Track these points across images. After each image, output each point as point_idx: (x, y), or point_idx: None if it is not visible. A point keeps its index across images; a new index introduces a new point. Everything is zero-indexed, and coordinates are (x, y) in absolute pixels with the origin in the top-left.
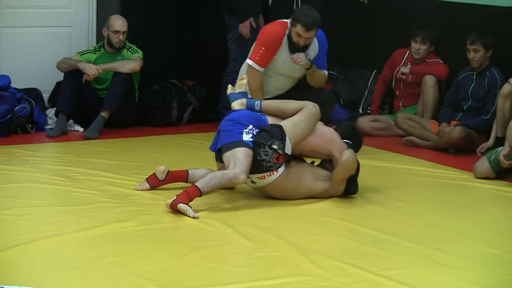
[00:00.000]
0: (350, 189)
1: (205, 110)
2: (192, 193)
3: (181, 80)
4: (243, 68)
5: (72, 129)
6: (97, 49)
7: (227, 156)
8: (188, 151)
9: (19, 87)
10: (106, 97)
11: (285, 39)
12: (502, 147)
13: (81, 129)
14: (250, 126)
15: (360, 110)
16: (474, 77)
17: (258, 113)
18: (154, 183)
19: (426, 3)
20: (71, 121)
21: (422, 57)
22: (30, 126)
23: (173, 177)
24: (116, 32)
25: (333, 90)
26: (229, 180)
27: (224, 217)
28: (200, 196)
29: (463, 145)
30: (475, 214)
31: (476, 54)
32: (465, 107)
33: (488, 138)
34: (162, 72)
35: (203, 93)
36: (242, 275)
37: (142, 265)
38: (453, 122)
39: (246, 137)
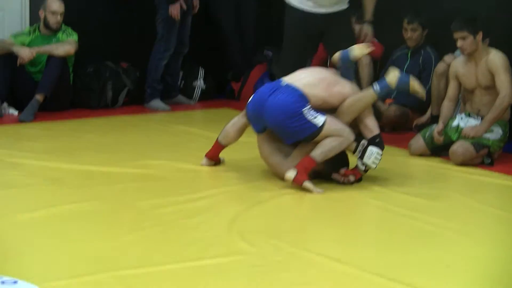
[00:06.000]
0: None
1: (140, 92)
2: (309, 165)
3: (116, 62)
4: None
5: (7, 112)
6: (31, 31)
7: (322, 135)
8: (124, 133)
9: None
10: (41, 80)
11: None
12: (436, 124)
13: (16, 112)
14: (305, 109)
15: None
16: (409, 56)
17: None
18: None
19: None
20: (5, 104)
21: (357, 36)
22: None
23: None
24: (54, 13)
25: (269, 70)
26: (346, 147)
27: (160, 199)
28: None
29: (398, 123)
30: (409, 190)
31: (414, 33)
32: None
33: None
34: (96, 54)
35: (138, 75)
36: (179, 255)
37: (78, 247)
38: (388, 101)
39: (317, 120)
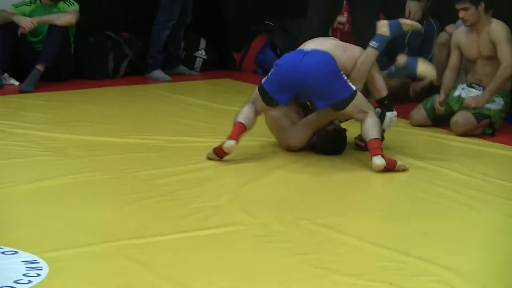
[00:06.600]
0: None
1: (142, 62)
2: (379, 144)
3: (117, 32)
4: None
5: (7, 82)
6: (32, 1)
7: (353, 104)
8: (125, 104)
9: None
10: (42, 50)
11: None
12: (438, 94)
13: (17, 83)
14: (341, 71)
15: None
16: None
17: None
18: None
19: None
20: (6, 74)
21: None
22: None
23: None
24: None
25: (270, 40)
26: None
27: (161, 169)
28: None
29: (399, 94)
30: (410, 160)
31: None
32: None
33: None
34: (98, 24)
35: (139, 45)
36: (179, 226)
37: (78, 218)
38: None
39: (352, 85)
